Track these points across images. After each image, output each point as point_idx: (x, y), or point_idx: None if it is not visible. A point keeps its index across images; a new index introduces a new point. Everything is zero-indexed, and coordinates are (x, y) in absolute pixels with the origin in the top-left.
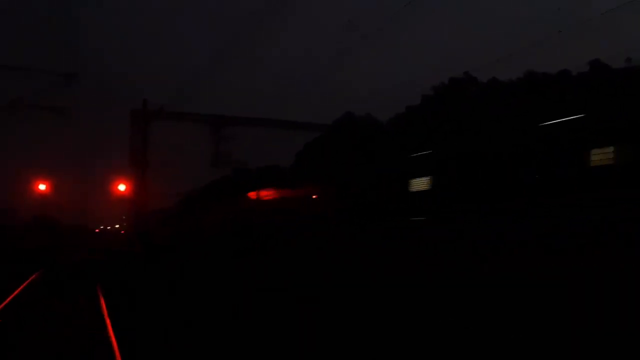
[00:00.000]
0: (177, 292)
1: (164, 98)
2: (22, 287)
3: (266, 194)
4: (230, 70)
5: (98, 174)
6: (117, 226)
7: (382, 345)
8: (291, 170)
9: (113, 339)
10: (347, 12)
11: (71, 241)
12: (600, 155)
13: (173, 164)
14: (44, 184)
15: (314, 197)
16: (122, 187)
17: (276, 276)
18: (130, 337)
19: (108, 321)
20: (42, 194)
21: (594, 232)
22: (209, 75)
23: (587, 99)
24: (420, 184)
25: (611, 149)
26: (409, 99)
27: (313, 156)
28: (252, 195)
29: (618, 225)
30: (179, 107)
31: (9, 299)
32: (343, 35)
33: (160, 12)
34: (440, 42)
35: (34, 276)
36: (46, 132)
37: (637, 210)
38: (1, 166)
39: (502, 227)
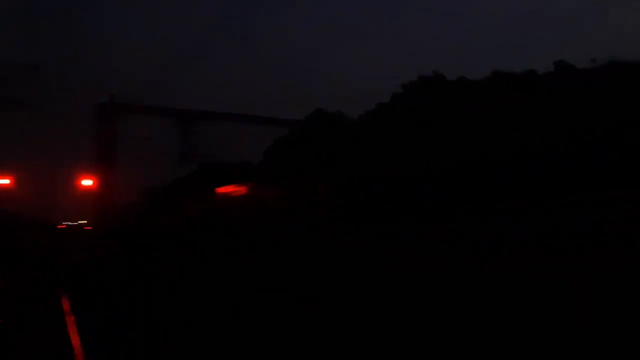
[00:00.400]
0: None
1: (132, 92)
2: None
3: (236, 189)
4: (200, 65)
5: (65, 168)
6: (84, 221)
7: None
8: (260, 166)
9: None
10: (320, 7)
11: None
12: None
13: (141, 159)
14: (7, 178)
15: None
16: (88, 182)
17: (268, 276)
18: None
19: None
20: (4, 188)
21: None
22: (178, 69)
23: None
24: None
25: None
26: (379, 96)
27: (283, 152)
28: (221, 190)
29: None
30: (147, 101)
31: None
32: (315, 31)
33: (126, 4)
34: (410, 41)
35: None
36: (9, 125)
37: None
38: None
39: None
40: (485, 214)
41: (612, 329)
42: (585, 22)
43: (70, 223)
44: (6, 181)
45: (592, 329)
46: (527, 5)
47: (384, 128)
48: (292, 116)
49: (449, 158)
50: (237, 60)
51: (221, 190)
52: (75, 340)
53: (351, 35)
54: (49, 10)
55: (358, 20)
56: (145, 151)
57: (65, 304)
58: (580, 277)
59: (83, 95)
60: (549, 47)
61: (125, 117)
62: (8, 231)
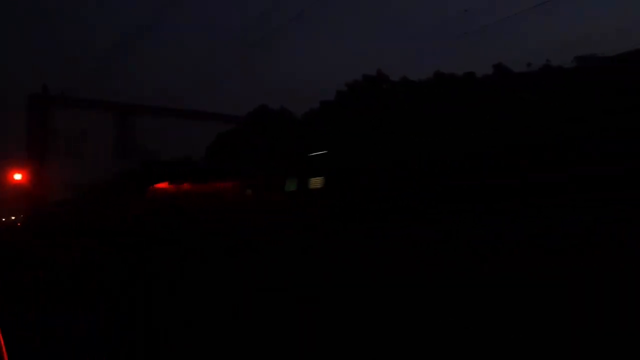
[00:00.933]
0: None
1: (67, 85)
2: None
3: (176, 185)
4: (138, 58)
5: None
6: (13, 218)
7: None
8: (202, 162)
9: None
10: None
11: None
12: None
13: (76, 153)
14: None
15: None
16: (17, 177)
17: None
18: None
19: None
20: None
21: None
22: (115, 62)
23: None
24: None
25: None
26: (322, 94)
27: (225, 148)
28: (161, 187)
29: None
30: (83, 94)
31: None
32: (257, 25)
33: None
34: (353, 40)
35: None
36: None
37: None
38: None
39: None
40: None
41: (603, 326)
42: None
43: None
44: None
45: (586, 327)
46: (466, 7)
47: (328, 125)
48: (236, 112)
49: (390, 156)
50: (180, 54)
51: (160, 186)
52: None
53: (298, 32)
54: None
55: (306, 17)
56: (81, 145)
57: None
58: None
59: (14, 85)
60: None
61: (59, 110)
62: None
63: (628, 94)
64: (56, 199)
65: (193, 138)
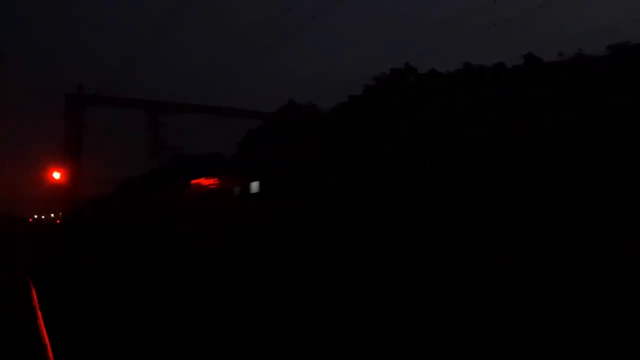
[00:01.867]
0: None
1: (101, 83)
2: None
3: (210, 181)
4: (169, 56)
5: (33, 160)
6: (52, 215)
7: None
8: (234, 158)
9: None
10: None
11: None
12: None
13: (110, 151)
14: None
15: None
16: (56, 175)
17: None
18: None
19: None
20: None
21: None
22: (147, 59)
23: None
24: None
25: None
26: (351, 88)
27: (256, 144)
28: (195, 182)
29: None
30: (115, 92)
31: None
32: (284, 21)
33: None
34: (381, 33)
35: None
36: None
37: None
38: None
39: None
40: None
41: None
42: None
43: (37, 217)
44: None
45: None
46: None
47: (357, 120)
48: (265, 108)
49: (422, 147)
50: (210, 52)
51: (195, 182)
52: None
53: (325, 26)
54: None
55: (331, 11)
56: (115, 143)
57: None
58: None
59: (51, 86)
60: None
61: (93, 108)
62: None
63: None
64: (92, 196)
65: (223, 135)
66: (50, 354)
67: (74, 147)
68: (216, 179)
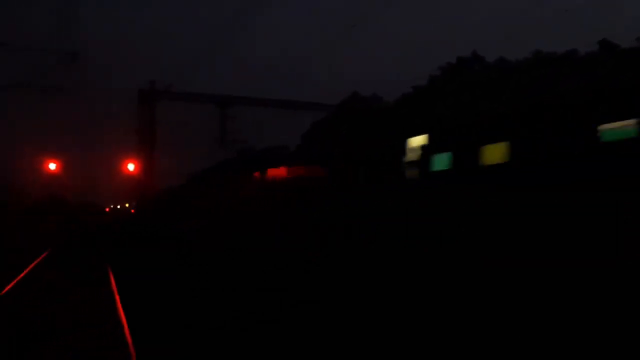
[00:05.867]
0: None
1: (171, 78)
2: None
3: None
4: (236, 49)
5: (107, 153)
6: (127, 205)
7: None
8: (298, 150)
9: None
10: None
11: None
12: None
13: (180, 144)
14: (54, 163)
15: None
16: (131, 167)
17: None
18: None
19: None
20: (51, 174)
21: None
22: (215, 53)
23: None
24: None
25: None
26: (415, 78)
27: (320, 136)
28: (266, 173)
29: None
30: (185, 86)
31: None
32: (347, 13)
33: None
34: (447, 21)
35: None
36: (54, 112)
37: None
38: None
39: None
40: None
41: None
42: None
43: (113, 206)
44: (53, 166)
45: None
46: None
47: (422, 111)
48: (328, 100)
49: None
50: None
51: (266, 173)
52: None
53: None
54: None
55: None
56: (185, 136)
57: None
58: None
59: (124, 81)
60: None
61: (165, 103)
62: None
63: None
64: (163, 187)
65: (288, 127)
66: None
67: (146, 140)
68: (282, 169)
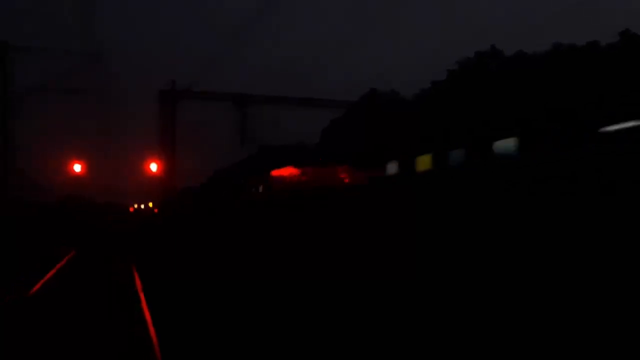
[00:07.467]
0: None
1: (188, 78)
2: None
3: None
4: (253, 49)
5: (129, 153)
6: (150, 204)
7: None
8: (318, 147)
9: None
10: None
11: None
12: None
13: (200, 143)
14: (79, 164)
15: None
16: (154, 167)
17: None
18: None
19: None
20: (76, 174)
21: None
22: (233, 53)
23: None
24: None
25: None
26: (433, 74)
27: (339, 133)
28: (281, 172)
29: None
30: (204, 86)
31: None
32: (364, 10)
33: None
34: (463, 16)
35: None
36: (77, 113)
37: None
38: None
39: None
40: None
41: None
42: None
43: (137, 205)
44: (78, 167)
45: None
46: None
47: (441, 107)
48: (347, 97)
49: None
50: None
51: (281, 171)
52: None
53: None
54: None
55: None
56: (205, 135)
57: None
58: None
59: (146, 82)
60: (612, 17)
61: (185, 103)
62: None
63: None
64: (184, 186)
65: (307, 124)
66: None
67: (168, 140)
68: (301, 168)
